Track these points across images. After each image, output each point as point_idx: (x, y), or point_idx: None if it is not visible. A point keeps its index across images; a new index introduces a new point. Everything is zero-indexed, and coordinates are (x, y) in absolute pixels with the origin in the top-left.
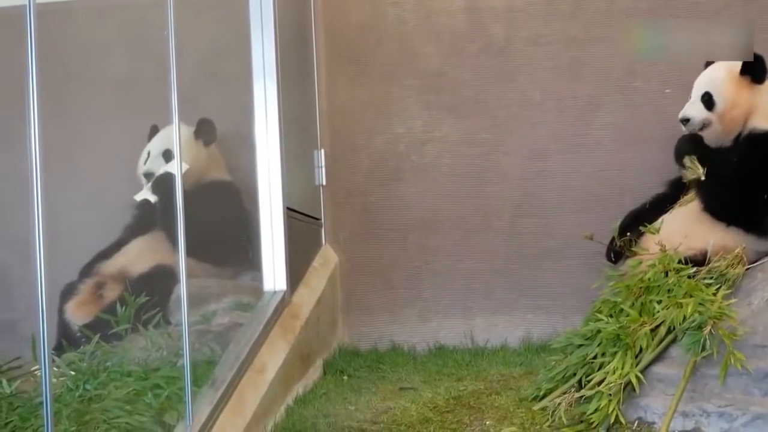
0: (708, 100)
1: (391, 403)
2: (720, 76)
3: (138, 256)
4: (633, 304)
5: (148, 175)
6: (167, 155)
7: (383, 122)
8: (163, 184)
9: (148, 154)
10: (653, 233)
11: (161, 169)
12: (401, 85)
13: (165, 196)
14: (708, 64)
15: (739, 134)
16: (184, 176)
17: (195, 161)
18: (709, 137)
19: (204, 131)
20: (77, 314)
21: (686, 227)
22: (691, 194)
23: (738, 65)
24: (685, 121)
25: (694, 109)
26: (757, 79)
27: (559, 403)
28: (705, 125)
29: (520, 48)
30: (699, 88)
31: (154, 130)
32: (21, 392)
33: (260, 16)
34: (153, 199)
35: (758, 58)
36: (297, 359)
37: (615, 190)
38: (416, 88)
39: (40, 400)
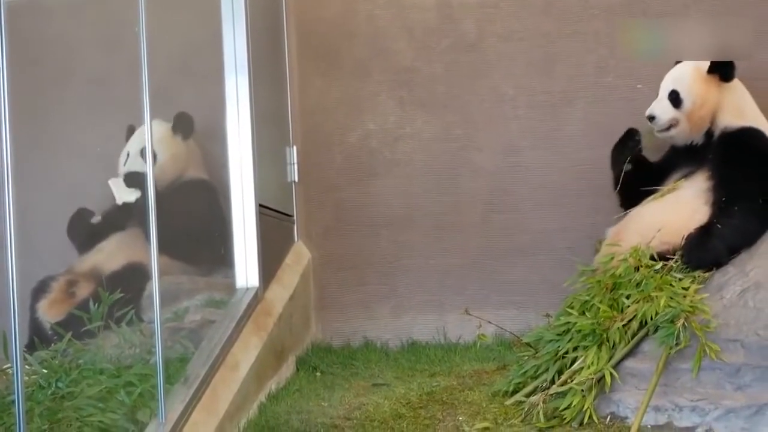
0: (675, 99)
1: (364, 399)
2: (687, 75)
3: (110, 254)
4: (601, 300)
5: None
6: (145, 153)
7: (355, 118)
8: (138, 181)
9: (128, 154)
10: (613, 245)
11: (142, 168)
12: (373, 81)
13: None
14: (678, 62)
15: (709, 131)
16: (164, 173)
17: (175, 157)
18: (678, 136)
19: (182, 125)
20: (49, 312)
21: (661, 221)
22: (667, 187)
23: (706, 64)
24: (651, 118)
25: (660, 108)
26: (725, 78)
27: (532, 399)
28: (672, 125)
29: (492, 44)
30: (666, 86)
31: (130, 130)
32: None
33: (232, 11)
34: (134, 197)
35: None
36: (270, 356)
37: (587, 185)
38: (388, 84)
39: (12, 398)
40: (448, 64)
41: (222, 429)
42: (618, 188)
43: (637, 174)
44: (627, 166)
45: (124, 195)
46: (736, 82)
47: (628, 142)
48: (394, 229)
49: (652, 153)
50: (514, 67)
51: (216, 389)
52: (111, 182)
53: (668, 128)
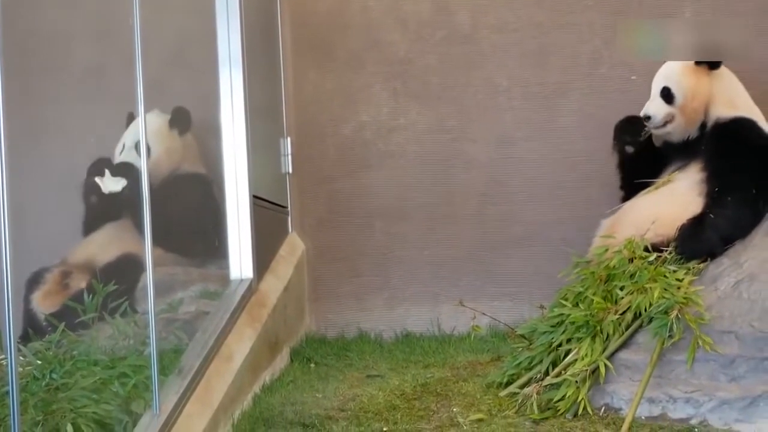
0: (667, 95)
1: (359, 390)
2: (677, 70)
3: (104, 245)
4: (595, 291)
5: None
6: (139, 146)
7: (349, 110)
8: (125, 171)
9: (123, 145)
10: (608, 237)
11: (135, 160)
12: (367, 72)
13: (130, 183)
14: None
15: (703, 123)
16: (158, 166)
17: (170, 151)
18: (674, 132)
19: (179, 120)
20: (44, 304)
21: (655, 213)
22: (662, 180)
23: None
24: (647, 118)
25: (654, 106)
26: (712, 66)
27: (526, 390)
28: (668, 121)
29: (485, 35)
30: (658, 83)
31: (130, 118)
32: None
33: (226, 3)
34: (119, 186)
35: None
36: (264, 347)
37: (581, 176)
38: (382, 76)
39: (6, 389)
40: (442, 55)
41: (216, 420)
42: (619, 165)
43: (642, 155)
44: (629, 148)
45: (110, 185)
46: (724, 71)
47: (636, 123)
48: (388, 221)
49: None
50: (508, 58)
51: (210, 381)
52: (97, 179)
53: (664, 125)
